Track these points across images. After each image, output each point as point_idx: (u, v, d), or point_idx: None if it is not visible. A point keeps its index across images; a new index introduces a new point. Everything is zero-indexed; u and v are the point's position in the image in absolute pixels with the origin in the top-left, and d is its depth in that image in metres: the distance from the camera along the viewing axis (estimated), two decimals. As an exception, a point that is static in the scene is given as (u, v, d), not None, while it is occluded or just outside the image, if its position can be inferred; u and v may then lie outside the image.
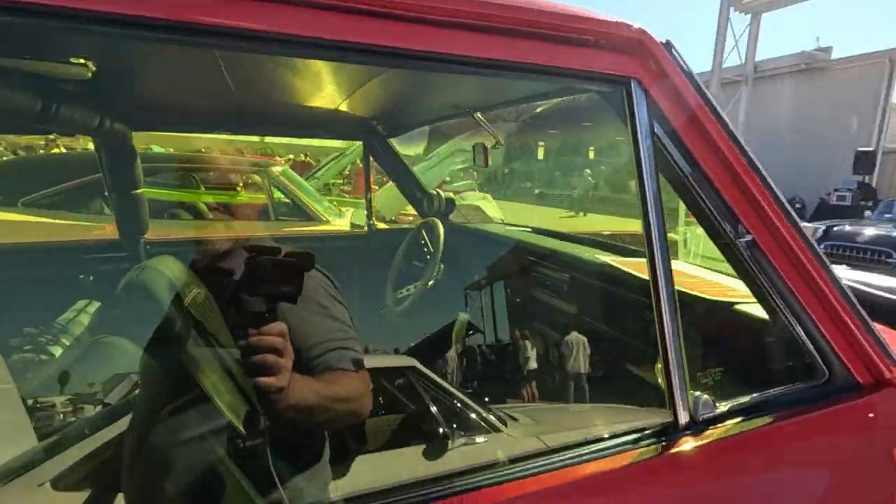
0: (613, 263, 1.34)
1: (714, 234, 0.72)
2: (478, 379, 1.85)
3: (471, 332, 2.11)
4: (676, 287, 1.08)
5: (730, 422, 0.67)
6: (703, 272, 1.25)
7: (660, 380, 0.71)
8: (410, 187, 2.41)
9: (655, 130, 0.65)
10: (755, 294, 0.76)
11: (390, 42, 0.54)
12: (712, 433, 0.65)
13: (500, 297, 2.06)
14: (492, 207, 3.42)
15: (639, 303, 1.25)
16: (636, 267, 1.27)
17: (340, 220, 4.43)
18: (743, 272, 0.73)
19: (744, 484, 0.66)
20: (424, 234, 2.18)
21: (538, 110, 1.99)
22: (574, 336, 1.75)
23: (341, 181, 8.53)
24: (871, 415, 0.75)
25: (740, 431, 0.67)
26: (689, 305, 1.03)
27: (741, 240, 0.70)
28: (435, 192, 2.32)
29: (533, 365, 1.79)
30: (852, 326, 0.75)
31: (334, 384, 0.71)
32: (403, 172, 2.39)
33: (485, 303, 2.07)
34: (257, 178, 5.22)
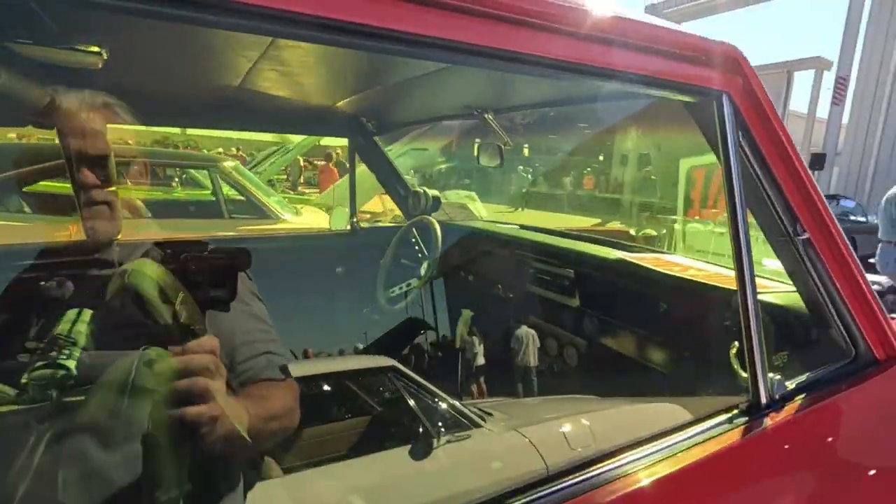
0: (625, 258, 1.43)
1: (774, 232, 0.81)
2: (458, 375, 1.88)
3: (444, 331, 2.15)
4: (704, 280, 1.18)
5: (798, 398, 0.77)
6: (711, 266, 1.38)
7: (735, 365, 0.79)
8: (394, 185, 2.40)
9: (738, 141, 0.73)
10: (800, 284, 0.86)
11: (529, 49, 0.56)
12: (788, 409, 0.74)
13: (492, 293, 2.11)
14: (477, 206, 3.48)
15: (650, 294, 1.36)
16: (649, 261, 1.37)
17: (298, 218, 4.29)
18: (794, 265, 0.83)
19: (821, 449, 0.75)
20: (416, 232, 2.18)
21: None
22: (524, 330, 1.83)
23: (284, 177, 8.22)
24: (891, 386, 0.88)
25: (807, 406, 0.76)
26: (716, 295, 1.14)
27: (799, 237, 0.80)
28: (421, 191, 2.33)
29: (519, 359, 1.87)
30: (875, 311, 0.87)
31: (266, 400, 0.64)
32: (388, 170, 2.37)
33: (477, 299, 2.11)
34: (196, 173, 4.91)
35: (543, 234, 1.91)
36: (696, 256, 1.61)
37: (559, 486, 0.59)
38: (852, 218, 7.78)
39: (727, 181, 0.72)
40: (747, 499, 0.67)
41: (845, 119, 12.47)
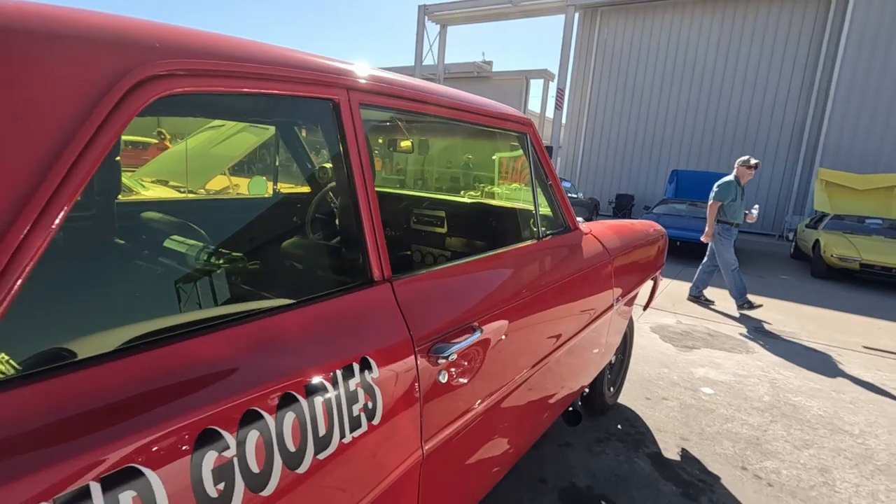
0: (479, 200, 2.97)
1: (542, 184, 2.42)
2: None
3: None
4: (511, 205, 2.87)
5: (549, 237, 2.40)
6: (511, 203, 3.04)
7: (534, 228, 2.38)
8: (304, 161, 3.48)
9: (532, 150, 2.29)
10: (551, 203, 2.51)
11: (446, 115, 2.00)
12: (546, 239, 2.37)
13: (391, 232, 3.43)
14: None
15: (489, 217, 2.94)
16: (487, 202, 2.94)
17: (147, 192, 4.65)
18: (547, 192, 2.47)
19: (563, 255, 2.39)
20: (331, 195, 3.35)
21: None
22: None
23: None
24: (572, 237, 2.62)
25: (551, 238, 2.40)
26: (512, 210, 2.78)
27: (548, 184, 2.43)
28: (328, 166, 3.48)
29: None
30: (570, 210, 2.59)
31: None
32: (301, 150, 3.44)
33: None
34: None
35: (423, 193, 3.34)
36: (503, 201, 3.28)
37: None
38: (570, 195, 11.43)
39: (531, 166, 2.27)
40: (537, 268, 2.25)
41: (565, 120, 17.11)
